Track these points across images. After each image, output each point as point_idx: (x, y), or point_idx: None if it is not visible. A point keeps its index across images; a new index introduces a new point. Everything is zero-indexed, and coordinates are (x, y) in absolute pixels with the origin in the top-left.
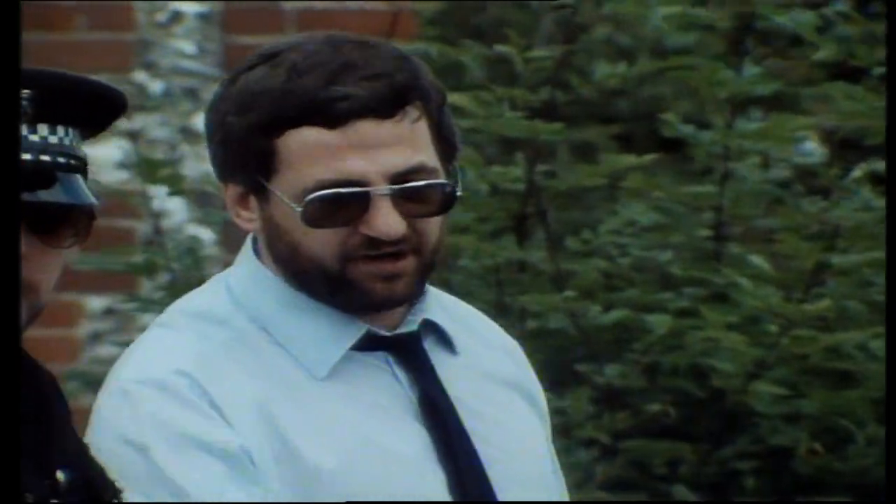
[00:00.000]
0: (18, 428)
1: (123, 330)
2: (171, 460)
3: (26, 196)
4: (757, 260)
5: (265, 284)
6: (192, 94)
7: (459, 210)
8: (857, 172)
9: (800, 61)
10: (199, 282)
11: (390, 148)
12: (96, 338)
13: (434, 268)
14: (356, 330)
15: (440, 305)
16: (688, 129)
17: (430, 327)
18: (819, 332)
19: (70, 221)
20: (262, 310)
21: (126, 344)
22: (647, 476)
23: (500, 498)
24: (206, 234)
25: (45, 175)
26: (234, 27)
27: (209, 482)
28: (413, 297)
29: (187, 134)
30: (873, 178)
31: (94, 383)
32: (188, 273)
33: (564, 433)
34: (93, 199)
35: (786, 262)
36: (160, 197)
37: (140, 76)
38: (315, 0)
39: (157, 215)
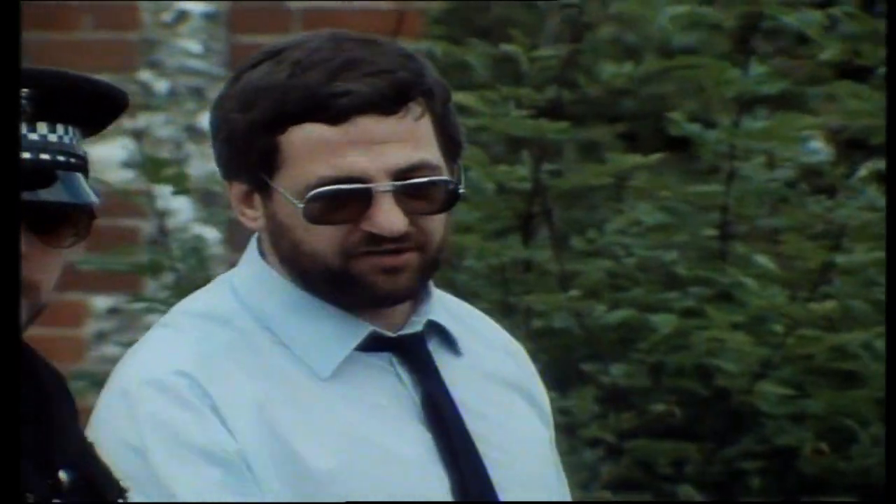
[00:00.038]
0: (19, 428)
1: (128, 329)
2: (167, 464)
3: (26, 195)
4: (762, 259)
5: (269, 284)
6: (197, 93)
7: (465, 209)
8: (863, 172)
9: (805, 60)
10: (205, 281)
11: (392, 144)
12: (101, 337)
13: (438, 266)
14: (361, 330)
15: (444, 307)
16: (694, 128)
17: (435, 328)
18: (824, 332)
19: (70, 220)
20: (266, 310)
21: (131, 344)
22: (652, 476)
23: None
24: (211, 234)
25: (44, 174)
26: (239, 27)
27: (203, 489)
28: (415, 292)
29: (193, 133)
30: (879, 178)
31: (99, 383)
32: (193, 273)
33: (570, 433)
34: (93, 198)
35: (791, 262)
36: (165, 196)
37: (145, 75)
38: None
39: (162, 215)
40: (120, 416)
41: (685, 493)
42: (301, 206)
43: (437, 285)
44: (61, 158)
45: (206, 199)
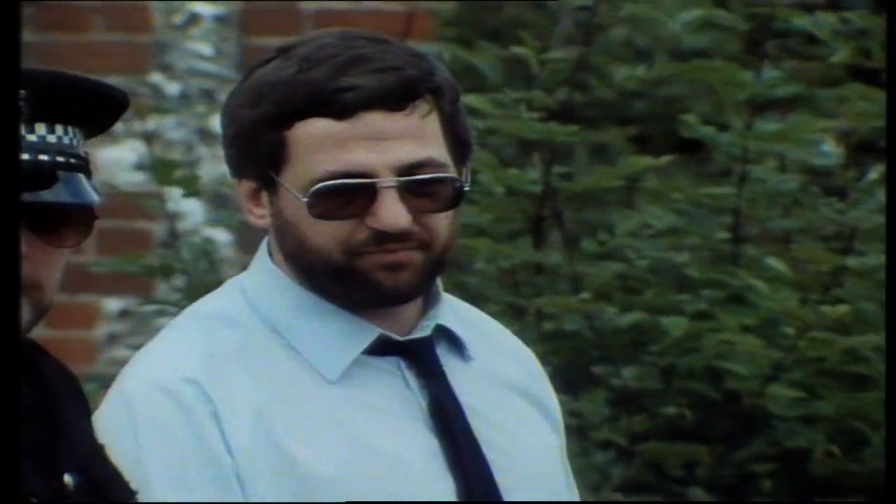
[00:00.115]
0: (19, 428)
1: (140, 332)
2: (160, 475)
3: (27, 196)
4: (774, 262)
5: (279, 287)
6: (208, 95)
7: (475, 212)
8: (874, 174)
9: (816, 62)
10: (215, 284)
11: (398, 140)
12: (113, 340)
13: (445, 266)
14: (369, 334)
15: (453, 311)
16: (707, 131)
17: (443, 333)
18: (836, 335)
19: (72, 221)
20: (274, 312)
21: (142, 346)
22: (663, 478)
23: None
24: (222, 236)
25: (44, 174)
26: (250, 29)
27: (189, 498)
28: (420, 291)
29: (204, 136)
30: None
31: (110, 385)
32: (204, 275)
33: (581, 435)
34: (95, 198)
35: (803, 265)
36: (176, 199)
37: (156, 78)
38: (332, 1)
39: (173, 217)
40: (121, 418)
41: (696, 496)
42: (305, 200)
43: (447, 288)
44: (61, 159)
45: (217, 202)
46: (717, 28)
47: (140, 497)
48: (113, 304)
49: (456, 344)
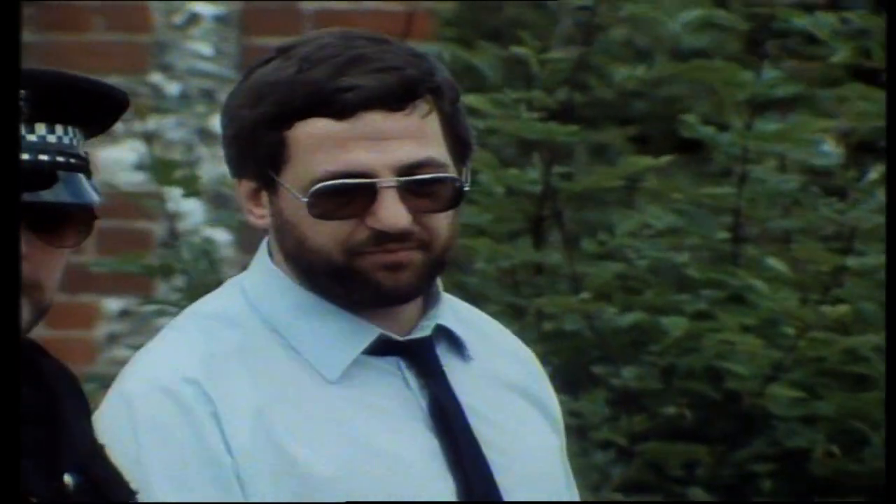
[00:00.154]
0: (19, 428)
1: (139, 332)
2: (160, 475)
3: (27, 196)
4: (774, 262)
5: (278, 287)
6: (208, 95)
7: (475, 212)
8: (874, 174)
9: (816, 62)
10: (216, 284)
11: (398, 140)
12: (113, 340)
13: (445, 266)
14: (369, 334)
15: (453, 311)
16: (707, 131)
17: (444, 333)
18: (836, 335)
19: (72, 220)
20: (274, 312)
21: (142, 346)
22: (663, 478)
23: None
24: (222, 236)
25: (44, 174)
26: (250, 28)
27: (188, 498)
28: (420, 291)
29: (204, 136)
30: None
31: (110, 385)
32: (204, 275)
33: (580, 435)
34: (95, 198)
35: (803, 265)
36: (176, 199)
37: (156, 78)
38: (332, 1)
39: (173, 217)
40: (121, 418)
41: (696, 496)
42: (305, 200)
43: (447, 288)
44: (61, 159)
45: (217, 202)
46: (717, 28)
47: (140, 497)
48: (113, 304)
49: (456, 344)
